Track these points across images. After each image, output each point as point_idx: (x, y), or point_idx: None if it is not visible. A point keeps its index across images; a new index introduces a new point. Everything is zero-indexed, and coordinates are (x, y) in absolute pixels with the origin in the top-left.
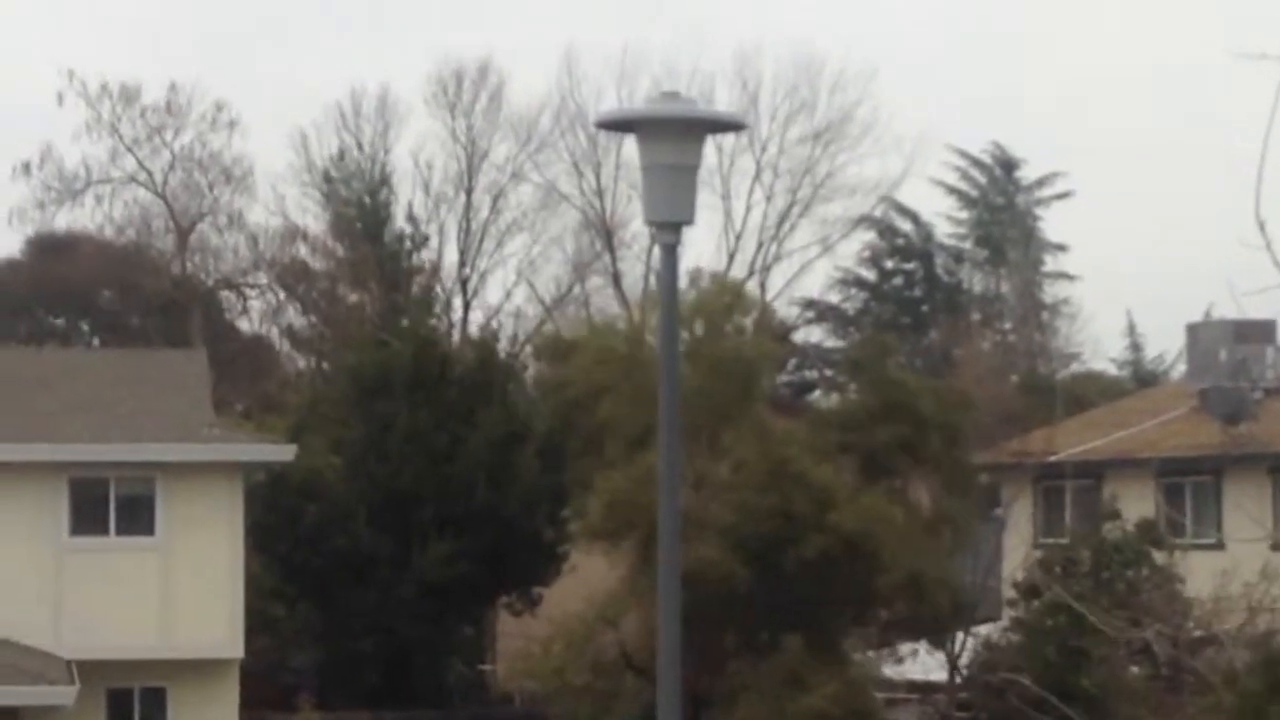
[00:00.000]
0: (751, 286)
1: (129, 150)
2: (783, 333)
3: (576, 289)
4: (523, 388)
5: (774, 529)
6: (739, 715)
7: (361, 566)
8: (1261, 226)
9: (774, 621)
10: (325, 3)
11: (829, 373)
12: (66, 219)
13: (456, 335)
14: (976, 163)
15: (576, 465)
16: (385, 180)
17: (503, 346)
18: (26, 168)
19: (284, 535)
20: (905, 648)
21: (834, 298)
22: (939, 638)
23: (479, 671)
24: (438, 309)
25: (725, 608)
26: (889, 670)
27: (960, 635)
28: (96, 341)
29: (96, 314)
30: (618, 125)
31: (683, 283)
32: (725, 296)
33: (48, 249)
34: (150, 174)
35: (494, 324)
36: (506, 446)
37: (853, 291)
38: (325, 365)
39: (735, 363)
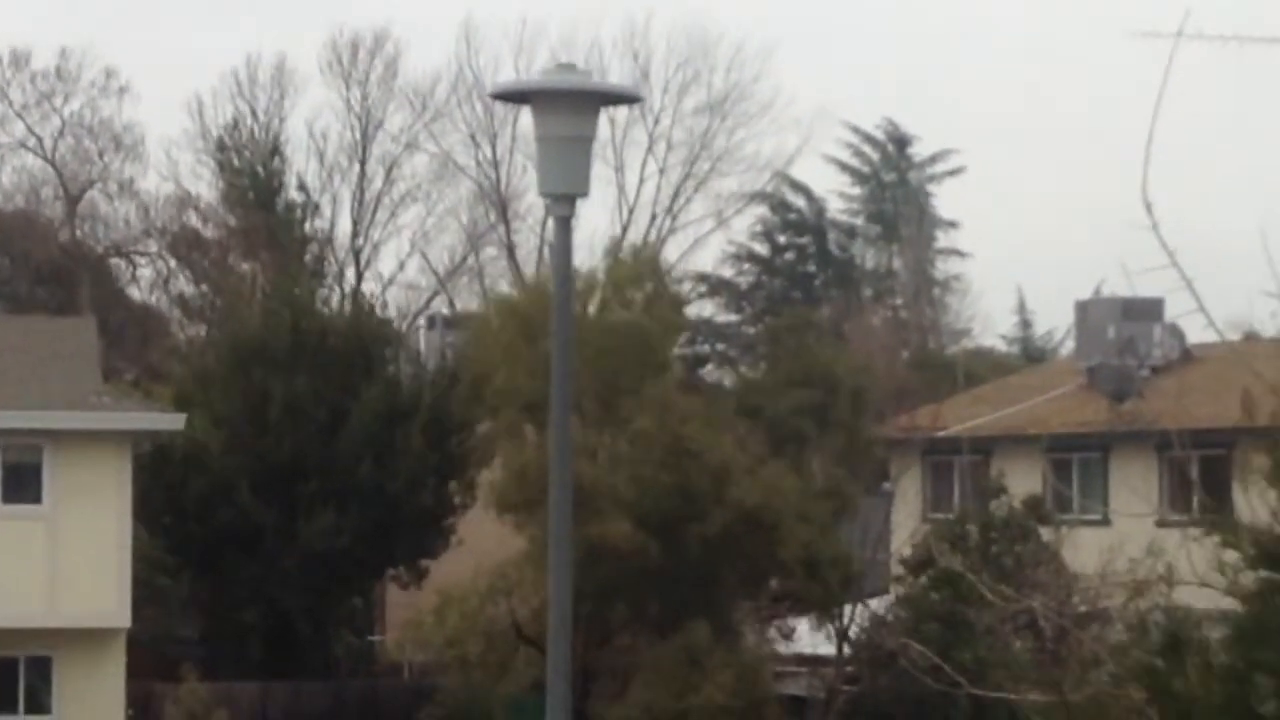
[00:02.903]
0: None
1: (18, 116)
2: (678, 305)
3: (470, 260)
4: (414, 358)
5: (673, 506)
6: (637, 697)
7: (246, 537)
8: (1149, 207)
9: (666, 595)
10: None
11: (721, 346)
12: None
13: (349, 306)
14: (869, 139)
15: (470, 437)
16: (277, 149)
17: (391, 316)
18: None
19: (169, 508)
20: (794, 621)
21: (727, 272)
22: (827, 612)
23: (368, 643)
24: (329, 279)
25: (622, 581)
26: (778, 644)
27: (848, 608)
28: None
29: None
30: (513, 96)
31: (593, 253)
32: (638, 266)
33: None
34: (40, 140)
35: (371, 293)
36: (390, 422)
37: (745, 266)
38: (218, 334)
39: (639, 332)
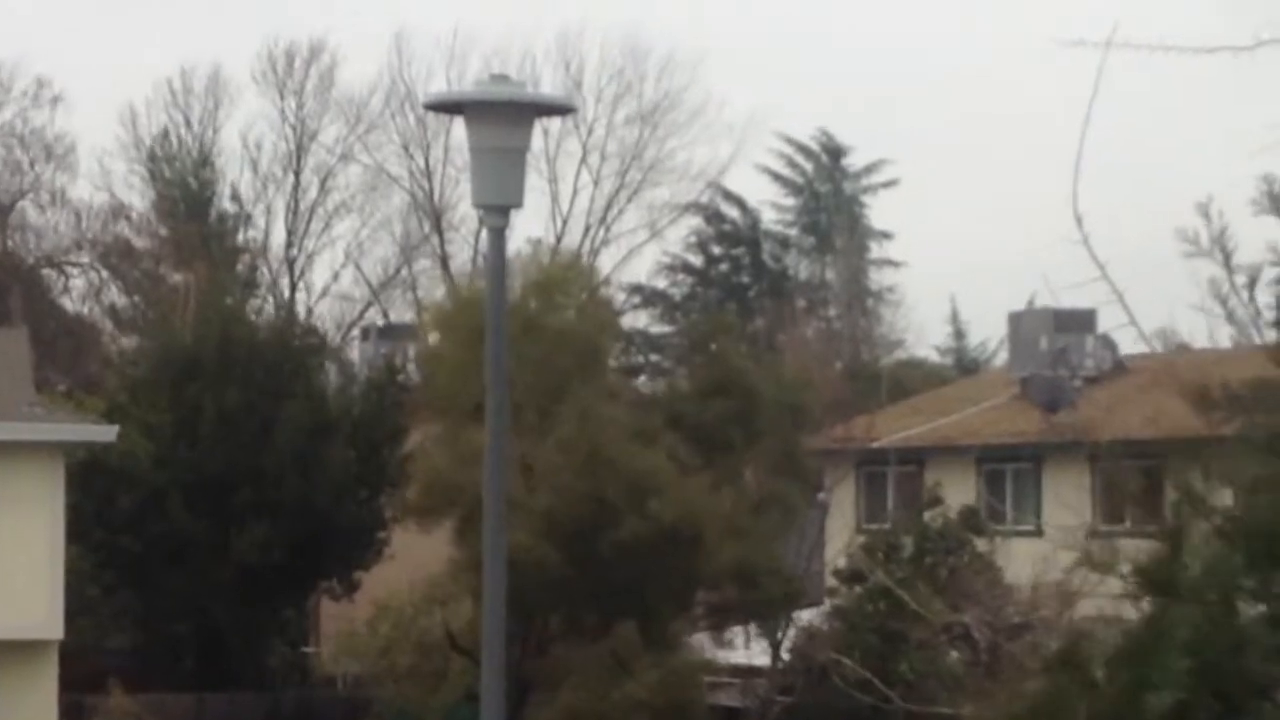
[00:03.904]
0: (585, 263)
1: None
2: (610, 310)
3: (404, 271)
4: (348, 369)
5: (587, 513)
6: (563, 701)
7: (178, 549)
8: (1079, 221)
9: (599, 606)
10: None
11: (655, 358)
12: None
13: (278, 317)
14: (803, 149)
15: (399, 449)
16: (208, 159)
17: (325, 328)
18: None
19: (99, 520)
20: (729, 632)
21: (661, 283)
22: (768, 623)
23: (301, 654)
24: (263, 290)
25: (544, 592)
26: (713, 654)
27: (783, 620)
28: None
29: None
30: (447, 107)
31: (520, 253)
32: (564, 269)
33: None
34: None
35: (296, 302)
36: (315, 435)
37: (680, 277)
38: (147, 345)
39: (572, 337)
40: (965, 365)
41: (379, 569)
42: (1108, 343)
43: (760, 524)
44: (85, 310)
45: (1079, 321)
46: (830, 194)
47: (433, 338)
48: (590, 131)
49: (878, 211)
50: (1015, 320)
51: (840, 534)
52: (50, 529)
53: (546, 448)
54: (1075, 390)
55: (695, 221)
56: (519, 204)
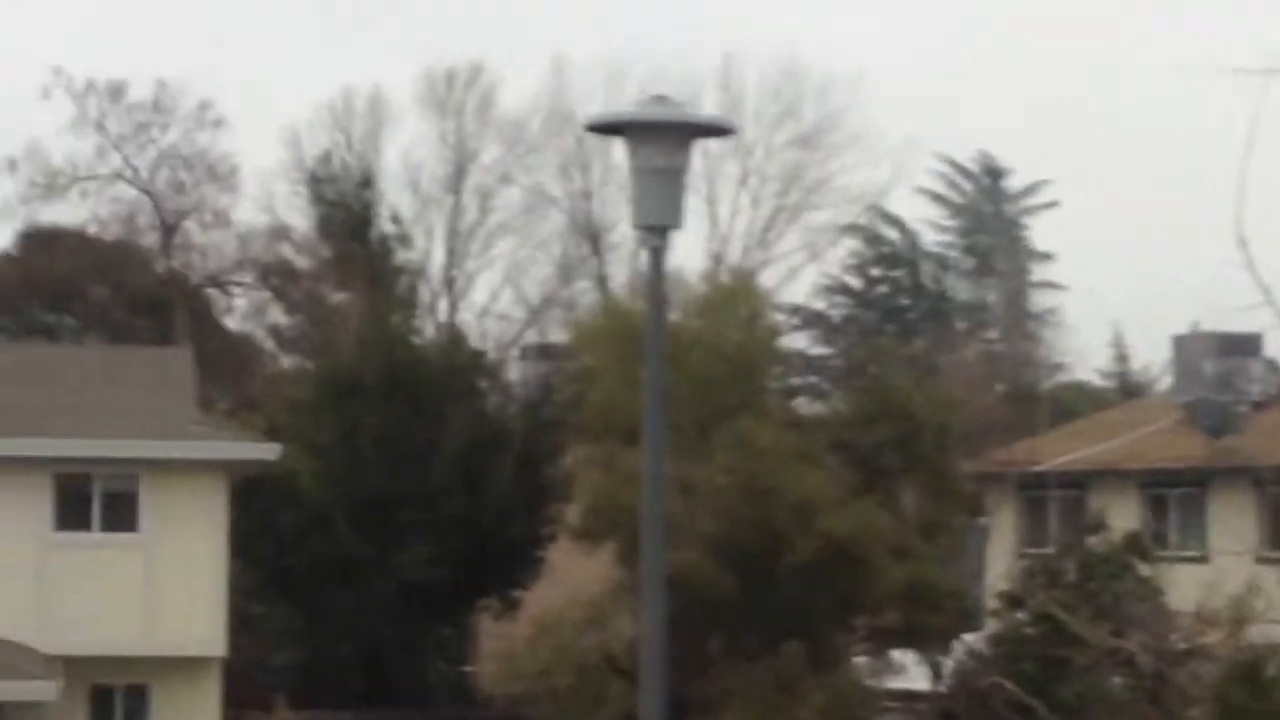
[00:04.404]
0: (754, 282)
1: (115, 147)
2: (774, 333)
3: (563, 292)
4: (507, 389)
5: (751, 536)
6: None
7: (341, 568)
8: (1242, 245)
9: (762, 628)
10: (322, 2)
11: (814, 379)
12: (51, 215)
13: (442, 337)
14: (963, 171)
15: (557, 467)
16: (370, 180)
17: (486, 347)
18: (12, 164)
19: (262, 538)
20: (895, 655)
21: (820, 305)
22: (941, 646)
23: (461, 673)
24: (420, 311)
25: (709, 613)
26: (874, 679)
27: (953, 643)
28: (84, 338)
29: (84, 310)
30: (606, 128)
31: (681, 269)
32: (732, 288)
33: (36, 243)
34: (136, 170)
35: (460, 322)
36: (482, 453)
37: (838, 299)
38: (311, 366)
39: (735, 356)
40: (1128, 389)
41: (538, 587)
42: (1274, 367)
43: (929, 547)
44: (248, 330)
45: (1244, 345)
46: (991, 215)
47: (585, 357)
48: (750, 154)
49: (1039, 233)
50: (1179, 344)
51: (1001, 558)
52: (214, 546)
53: (708, 469)
54: (1241, 415)
55: (854, 243)
56: (679, 225)
